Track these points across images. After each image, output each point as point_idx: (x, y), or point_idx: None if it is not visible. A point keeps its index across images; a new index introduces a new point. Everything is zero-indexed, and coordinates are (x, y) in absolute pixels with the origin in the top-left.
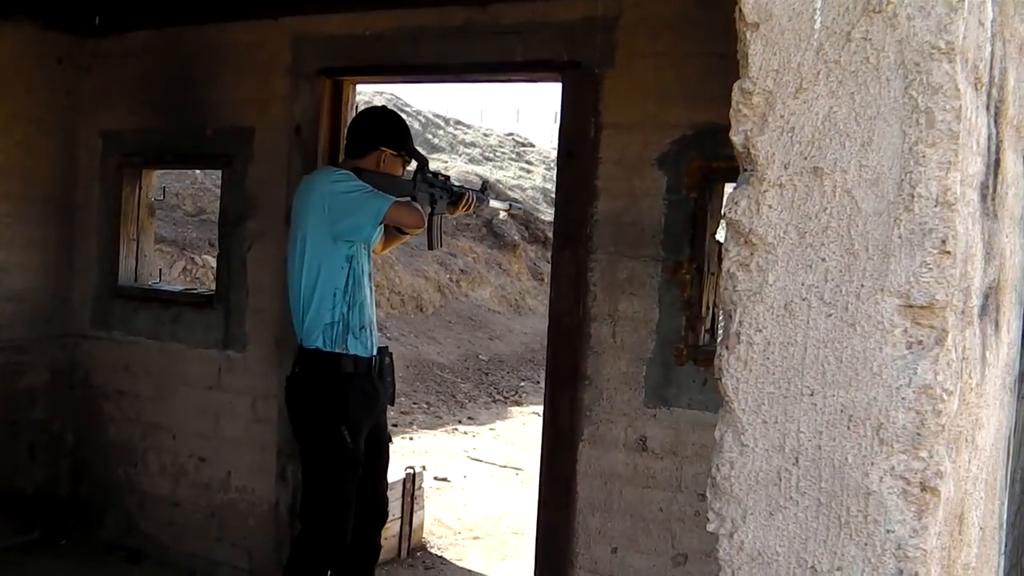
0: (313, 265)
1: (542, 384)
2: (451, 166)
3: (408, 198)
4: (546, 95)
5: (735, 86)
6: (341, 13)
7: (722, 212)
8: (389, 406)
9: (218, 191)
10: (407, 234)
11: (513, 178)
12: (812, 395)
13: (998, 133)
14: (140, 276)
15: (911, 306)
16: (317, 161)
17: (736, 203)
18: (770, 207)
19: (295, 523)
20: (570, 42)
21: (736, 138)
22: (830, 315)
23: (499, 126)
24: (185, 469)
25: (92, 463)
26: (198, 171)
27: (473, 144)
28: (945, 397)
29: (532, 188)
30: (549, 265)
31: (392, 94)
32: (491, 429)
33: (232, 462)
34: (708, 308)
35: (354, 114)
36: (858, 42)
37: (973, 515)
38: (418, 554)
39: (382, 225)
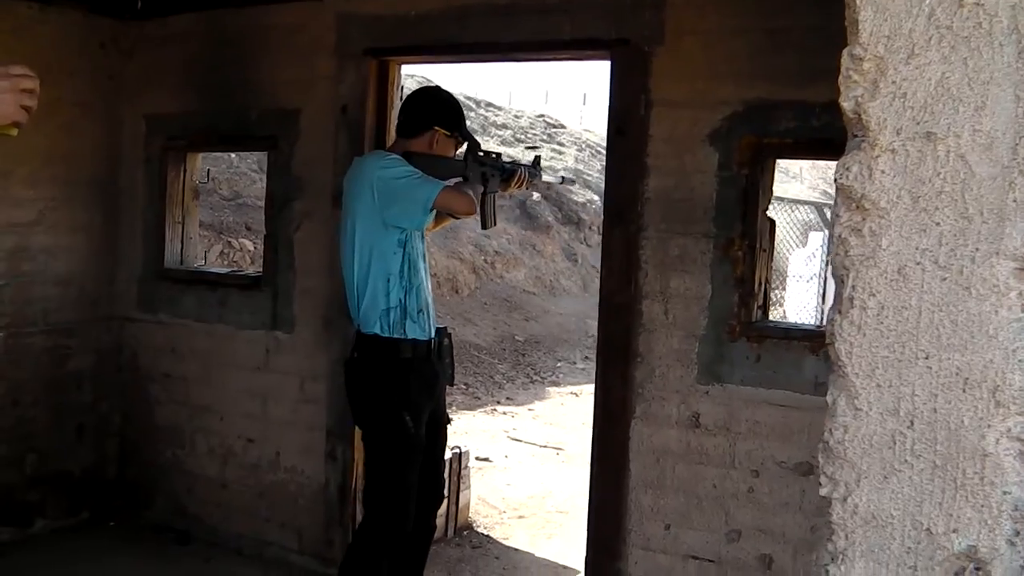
0: (365, 251)
1: (578, 364)
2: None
3: (459, 179)
4: (575, 76)
5: (844, 52)
6: None
7: (835, 179)
8: (448, 387)
9: (254, 175)
10: (458, 216)
11: (545, 160)
12: (927, 358)
13: None
14: (186, 259)
15: None
16: (364, 141)
17: (847, 169)
18: (883, 172)
19: (344, 503)
20: (618, 19)
21: (846, 104)
22: (944, 279)
23: (529, 107)
24: (233, 450)
25: (140, 445)
26: (234, 155)
27: (504, 126)
28: None
29: (564, 169)
30: (582, 246)
31: (423, 76)
32: (530, 410)
33: (281, 443)
34: (760, 285)
35: (401, 95)
36: (970, 7)
37: None
38: (465, 533)
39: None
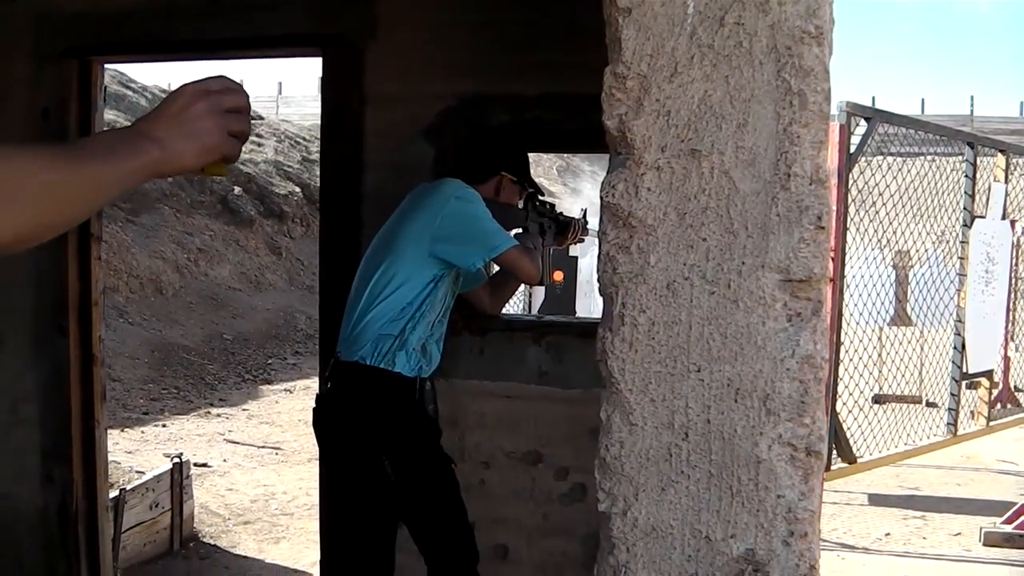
0: (395, 272)
1: (289, 360)
2: None
3: (519, 231)
4: (271, 65)
5: (607, 71)
6: None
7: (601, 197)
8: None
9: None
10: (516, 287)
11: (245, 152)
12: (699, 371)
13: None
14: None
15: (790, 280)
16: None
17: (613, 187)
18: (649, 190)
19: (66, 527)
20: (330, 15)
21: (610, 122)
22: (713, 293)
23: None
24: None
25: None
26: None
27: None
28: (823, 365)
29: (264, 162)
30: (286, 239)
31: (116, 70)
32: (244, 409)
33: None
34: None
35: (104, 96)
36: (731, 27)
37: None
38: (191, 544)
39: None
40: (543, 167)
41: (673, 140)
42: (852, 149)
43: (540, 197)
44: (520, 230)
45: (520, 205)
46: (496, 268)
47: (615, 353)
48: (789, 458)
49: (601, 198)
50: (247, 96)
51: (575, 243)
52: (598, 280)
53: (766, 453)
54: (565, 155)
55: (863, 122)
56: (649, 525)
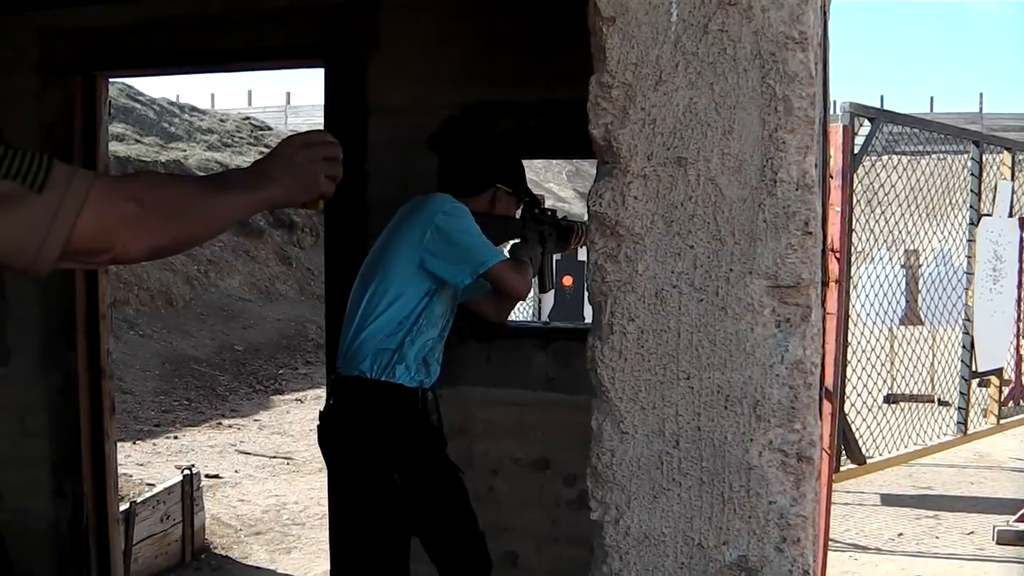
0: (387, 288)
1: (300, 370)
2: (190, 155)
3: (516, 242)
4: (280, 77)
5: (592, 80)
6: (91, 5)
7: (588, 206)
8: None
9: None
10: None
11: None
12: (689, 379)
13: None
14: None
15: (779, 286)
16: (73, 161)
17: (600, 196)
18: (635, 198)
19: (78, 541)
20: (333, 26)
21: (596, 131)
22: (701, 300)
23: (234, 109)
24: None
25: None
26: None
27: (210, 131)
28: (814, 370)
29: None
30: (296, 248)
31: (124, 83)
32: (255, 420)
33: (3, 481)
34: None
35: (109, 110)
36: (715, 34)
37: None
38: (203, 556)
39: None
40: (552, 172)
41: (659, 148)
42: (856, 150)
43: (539, 206)
44: (519, 240)
45: (517, 215)
46: None
47: (605, 362)
48: (780, 464)
49: (588, 207)
50: (340, 147)
51: (581, 247)
52: (587, 289)
53: (757, 459)
54: (575, 160)
55: (867, 122)
56: (642, 533)
